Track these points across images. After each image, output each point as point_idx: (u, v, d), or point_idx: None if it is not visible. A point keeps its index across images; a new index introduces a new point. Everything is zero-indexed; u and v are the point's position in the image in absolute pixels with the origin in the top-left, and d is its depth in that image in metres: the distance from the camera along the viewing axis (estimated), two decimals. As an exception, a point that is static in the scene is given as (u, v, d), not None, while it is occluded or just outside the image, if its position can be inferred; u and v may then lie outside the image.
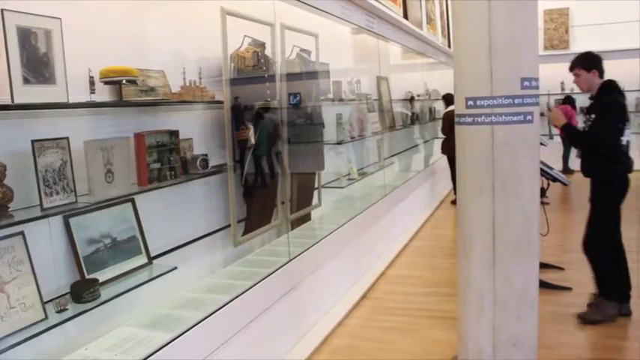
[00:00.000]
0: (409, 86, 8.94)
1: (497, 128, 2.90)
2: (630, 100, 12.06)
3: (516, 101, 2.87)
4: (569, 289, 4.78)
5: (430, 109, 10.08)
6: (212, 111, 3.66)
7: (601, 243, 4.10)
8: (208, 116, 3.67)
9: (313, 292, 4.15)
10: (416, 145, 9.02)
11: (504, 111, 2.87)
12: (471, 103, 2.94)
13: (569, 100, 11.27)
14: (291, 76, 4.45)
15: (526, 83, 2.89)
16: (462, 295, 3.26)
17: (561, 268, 5.20)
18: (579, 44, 12.01)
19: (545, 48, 12.35)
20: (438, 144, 9.52)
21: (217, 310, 2.92)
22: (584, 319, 4.07)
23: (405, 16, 7.31)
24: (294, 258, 3.83)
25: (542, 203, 5.89)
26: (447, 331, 3.93)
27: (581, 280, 5.01)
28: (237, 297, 3.10)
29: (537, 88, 2.99)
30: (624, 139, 3.93)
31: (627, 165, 4.01)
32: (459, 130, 3.09)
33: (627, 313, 4.12)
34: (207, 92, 3.44)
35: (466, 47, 3.01)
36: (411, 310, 4.52)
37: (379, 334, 4.12)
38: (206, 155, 3.39)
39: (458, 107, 3.05)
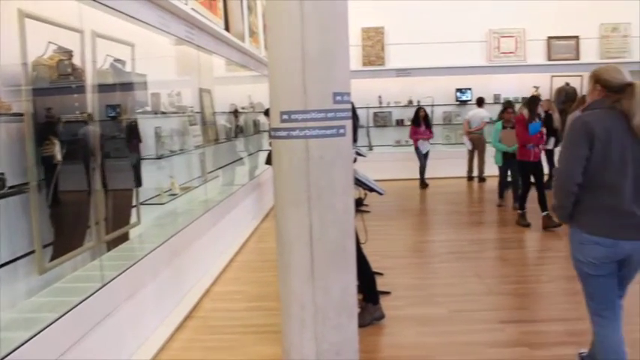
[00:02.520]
0: (234, 99, 8.91)
1: (311, 142, 2.97)
2: (438, 114, 13.26)
3: (329, 115, 2.96)
4: (388, 293, 5.04)
5: (255, 122, 10.15)
6: (10, 124, 3.29)
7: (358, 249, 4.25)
8: (5, 130, 3.30)
9: (132, 318, 3.91)
10: (240, 158, 9.01)
11: (318, 125, 2.95)
12: (285, 117, 2.98)
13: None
14: (103, 88, 4.18)
15: (338, 97, 3.00)
16: (285, 308, 3.28)
17: (381, 274, 5.47)
18: (394, 61, 12.94)
19: (364, 64, 13.11)
20: (263, 156, 9.60)
21: (14, 350, 2.60)
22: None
23: (227, 29, 7.28)
24: (108, 282, 3.57)
25: (362, 212, 6.19)
26: (273, 346, 3.94)
27: (400, 283, 5.35)
28: (39, 332, 2.80)
29: (349, 102, 3.12)
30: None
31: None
32: (274, 144, 3.11)
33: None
34: (3, 103, 3.09)
35: (280, 61, 3.05)
36: (236, 327, 4.46)
37: (203, 354, 4.01)
38: (2, 174, 3.04)
39: (273, 121, 3.07)
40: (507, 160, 8.98)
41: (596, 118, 2.87)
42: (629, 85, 2.85)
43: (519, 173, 8.24)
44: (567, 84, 13.01)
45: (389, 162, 12.47)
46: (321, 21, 2.98)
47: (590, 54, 13.21)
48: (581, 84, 13.24)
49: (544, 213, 7.57)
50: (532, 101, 7.94)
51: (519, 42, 13.15)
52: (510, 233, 7.51)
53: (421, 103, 13.05)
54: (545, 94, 12.85)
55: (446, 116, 13.36)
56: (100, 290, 3.46)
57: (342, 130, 3.02)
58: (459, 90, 13.18)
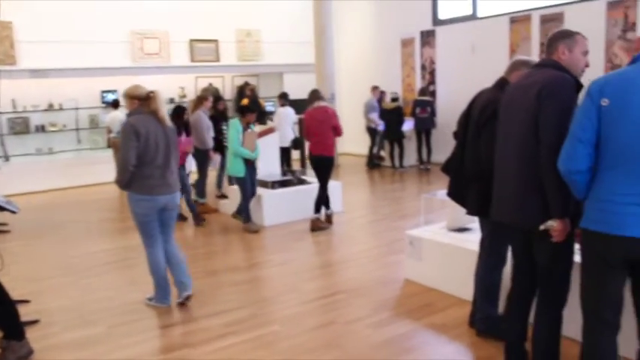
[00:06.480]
0: None
1: None
2: (84, 117, 12.49)
3: None
4: (36, 321, 4.49)
5: None
6: None
7: None
8: None
9: None
10: None
11: None
12: None
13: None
14: None
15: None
16: None
17: (28, 301, 4.91)
18: (28, 61, 11.68)
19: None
20: None
21: None
22: None
23: None
24: None
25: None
26: None
27: (51, 307, 4.91)
28: None
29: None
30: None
31: None
32: None
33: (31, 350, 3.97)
34: None
35: None
36: None
37: None
38: None
39: None
40: (249, 169, 7.23)
41: (139, 120, 4.33)
42: (152, 93, 4.41)
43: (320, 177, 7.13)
44: (210, 84, 13.79)
45: (31, 173, 11.31)
46: None
47: (229, 57, 14.13)
48: (222, 84, 14.13)
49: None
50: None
51: (163, 43, 13.26)
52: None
53: (64, 107, 12.12)
54: (190, 94, 13.30)
55: (92, 119, 12.67)
56: None
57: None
58: (105, 91, 12.64)
